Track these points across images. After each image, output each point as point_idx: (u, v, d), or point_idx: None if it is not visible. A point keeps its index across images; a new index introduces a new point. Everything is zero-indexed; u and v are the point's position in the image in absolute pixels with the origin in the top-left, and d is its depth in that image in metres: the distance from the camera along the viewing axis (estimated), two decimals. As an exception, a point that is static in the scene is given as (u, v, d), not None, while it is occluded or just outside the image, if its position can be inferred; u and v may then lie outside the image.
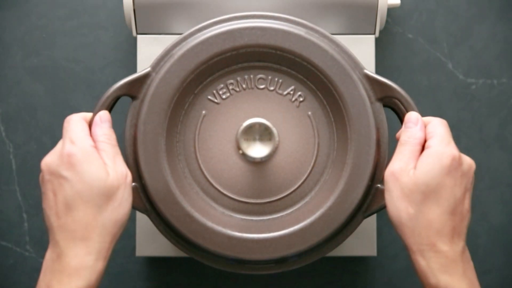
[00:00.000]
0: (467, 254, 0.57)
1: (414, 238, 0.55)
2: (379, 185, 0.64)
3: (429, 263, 0.55)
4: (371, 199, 0.64)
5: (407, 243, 0.56)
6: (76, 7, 0.79)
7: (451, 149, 0.56)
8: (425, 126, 0.59)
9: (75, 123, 0.57)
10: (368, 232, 0.73)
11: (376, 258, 0.80)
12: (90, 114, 0.60)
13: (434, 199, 0.55)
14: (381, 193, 0.64)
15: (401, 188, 0.56)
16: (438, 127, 0.58)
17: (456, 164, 0.56)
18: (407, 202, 0.56)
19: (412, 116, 0.60)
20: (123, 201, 0.56)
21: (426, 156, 0.56)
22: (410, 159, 0.57)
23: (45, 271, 0.55)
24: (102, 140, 0.58)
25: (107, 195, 0.55)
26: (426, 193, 0.55)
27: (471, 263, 0.57)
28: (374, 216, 0.72)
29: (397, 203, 0.56)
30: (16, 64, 0.79)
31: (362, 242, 0.73)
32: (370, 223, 0.72)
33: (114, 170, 0.56)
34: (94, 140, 0.58)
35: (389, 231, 0.80)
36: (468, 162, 0.57)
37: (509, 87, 0.80)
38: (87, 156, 0.55)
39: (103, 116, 0.60)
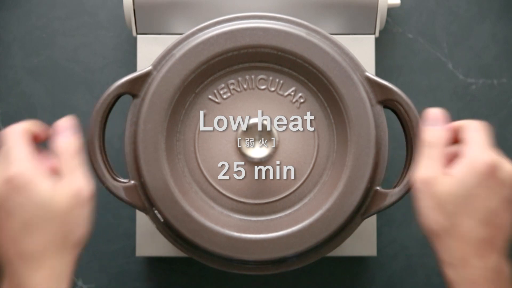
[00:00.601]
0: (504, 269, 0.53)
1: (445, 250, 0.53)
2: (378, 188, 0.64)
3: (458, 278, 0.53)
4: (370, 201, 0.64)
5: (437, 253, 0.54)
6: (76, 7, 0.79)
7: (487, 156, 0.52)
8: (459, 130, 0.56)
9: (15, 141, 0.53)
10: (368, 232, 0.73)
11: (376, 258, 0.80)
12: (32, 124, 0.55)
13: (468, 210, 0.52)
14: (380, 195, 0.64)
15: (433, 197, 0.53)
16: (475, 133, 0.55)
17: (491, 172, 0.52)
18: (439, 213, 0.53)
19: (431, 114, 0.57)
20: (79, 221, 0.52)
21: (460, 165, 0.53)
22: (439, 165, 0.54)
23: None
24: (61, 151, 0.54)
25: (58, 220, 0.51)
26: (460, 204, 0.52)
27: (509, 280, 0.53)
28: (374, 216, 0.72)
29: (429, 213, 0.53)
30: (16, 64, 0.79)
31: (362, 242, 0.73)
32: (370, 223, 0.72)
33: (67, 188, 0.52)
34: (53, 152, 0.54)
35: (389, 231, 0.80)
36: (508, 169, 0.53)
37: (509, 87, 0.80)
38: (31, 179, 0.51)
39: (64, 123, 0.55)
